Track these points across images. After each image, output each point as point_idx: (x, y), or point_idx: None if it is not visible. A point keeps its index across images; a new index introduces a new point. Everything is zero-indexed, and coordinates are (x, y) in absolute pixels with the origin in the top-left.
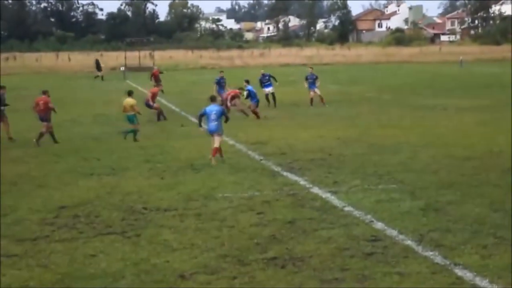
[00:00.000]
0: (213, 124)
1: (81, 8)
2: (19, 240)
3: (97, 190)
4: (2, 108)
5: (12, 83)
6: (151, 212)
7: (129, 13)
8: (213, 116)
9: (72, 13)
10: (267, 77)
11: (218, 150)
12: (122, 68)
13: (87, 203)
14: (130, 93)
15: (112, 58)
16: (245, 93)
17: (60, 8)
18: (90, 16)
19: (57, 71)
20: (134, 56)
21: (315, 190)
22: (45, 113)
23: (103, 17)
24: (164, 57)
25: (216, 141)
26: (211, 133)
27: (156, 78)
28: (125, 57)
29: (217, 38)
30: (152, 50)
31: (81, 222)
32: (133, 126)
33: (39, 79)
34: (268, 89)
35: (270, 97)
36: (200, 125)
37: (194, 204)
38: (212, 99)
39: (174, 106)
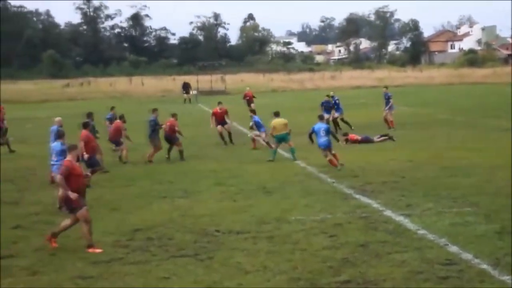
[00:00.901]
0: (323, 140)
1: (153, 33)
2: (94, 262)
3: (170, 213)
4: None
5: (86, 108)
6: (223, 235)
7: (201, 38)
8: (322, 133)
9: (145, 38)
10: (336, 100)
11: (336, 157)
12: (194, 92)
13: (160, 226)
14: (277, 114)
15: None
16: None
17: (133, 33)
18: (162, 40)
19: (130, 95)
20: (206, 80)
21: (388, 213)
22: (170, 134)
23: (176, 42)
24: (235, 80)
25: (329, 154)
26: (324, 148)
27: (250, 100)
28: (197, 81)
29: (288, 61)
30: (223, 73)
31: (154, 245)
32: (289, 144)
33: (113, 103)
34: (337, 114)
35: (339, 122)
36: (312, 141)
37: (267, 226)
38: (320, 118)
39: (246, 129)
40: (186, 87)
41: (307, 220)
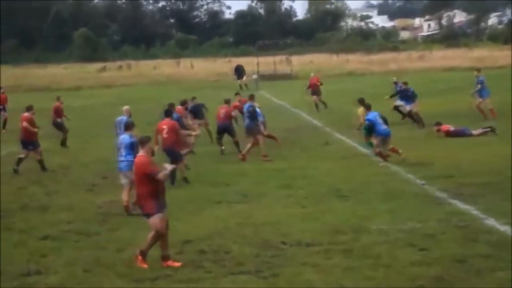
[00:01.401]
0: (383, 128)
1: (205, 7)
2: (136, 280)
3: (226, 221)
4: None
5: (126, 95)
6: (291, 247)
7: (261, 11)
8: (380, 120)
9: (194, 13)
10: (400, 87)
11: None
12: (254, 76)
13: (215, 236)
14: (362, 101)
15: (243, 64)
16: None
17: (181, 7)
18: (215, 15)
19: (178, 81)
20: (268, 62)
21: (491, 221)
22: (223, 123)
23: (231, 17)
24: (303, 62)
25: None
26: (386, 136)
27: (314, 88)
28: (257, 63)
29: (366, 39)
30: (289, 54)
31: (208, 259)
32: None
33: (157, 90)
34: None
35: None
36: (370, 135)
37: (342, 237)
38: (367, 107)
39: (316, 120)
40: (239, 71)
41: (391, 230)
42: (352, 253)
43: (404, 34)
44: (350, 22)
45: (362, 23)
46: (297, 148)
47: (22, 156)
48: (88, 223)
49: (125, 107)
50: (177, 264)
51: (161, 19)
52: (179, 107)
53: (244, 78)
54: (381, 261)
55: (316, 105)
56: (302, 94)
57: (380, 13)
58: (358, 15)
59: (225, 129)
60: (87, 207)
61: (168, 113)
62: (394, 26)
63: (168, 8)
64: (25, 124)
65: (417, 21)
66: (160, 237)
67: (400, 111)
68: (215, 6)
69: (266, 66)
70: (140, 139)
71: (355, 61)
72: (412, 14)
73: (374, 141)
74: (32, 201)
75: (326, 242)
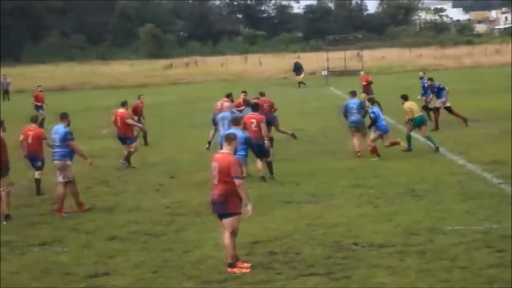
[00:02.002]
0: (384, 124)
1: (273, 1)
2: (205, 282)
3: (296, 222)
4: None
5: (193, 93)
6: (363, 249)
7: (331, 5)
8: (383, 116)
9: (262, 8)
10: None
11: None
12: (324, 73)
13: (285, 237)
14: (405, 97)
15: (312, 60)
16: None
17: (249, 2)
18: (284, 10)
19: (245, 77)
20: (338, 58)
21: None
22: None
23: (300, 11)
24: (375, 57)
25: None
26: (384, 132)
27: (366, 88)
28: (327, 59)
29: (440, 33)
30: (360, 49)
31: (278, 261)
32: (423, 131)
33: (224, 87)
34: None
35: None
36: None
37: (416, 239)
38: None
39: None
40: (297, 68)
41: (468, 231)
42: (427, 255)
43: (480, 28)
44: (423, 16)
45: (436, 17)
46: (367, 146)
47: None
48: (155, 224)
49: (226, 104)
50: (245, 270)
51: (229, 14)
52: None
53: (302, 75)
54: (456, 263)
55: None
56: (374, 90)
57: (454, 6)
58: (432, 8)
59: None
60: (154, 208)
61: (255, 107)
62: (469, 19)
63: (235, 3)
64: (130, 121)
65: (493, 13)
66: (235, 237)
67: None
68: (284, 1)
69: (336, 62)
70: (227, 136)
71: (428, 55)
72: (489, 7)
73: (372, 134)
74: (99, 201)
75: (400, 244)
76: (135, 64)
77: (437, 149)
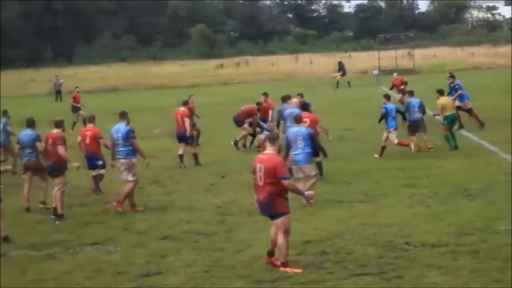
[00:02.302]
0: (393, 123)
1: (324, 1)
2: (257, 281)
3: (347, 221)
4: None
5: (244, 92)
6: (415, 249)
7: (382, 4)
8: (393, 114)
9: (313, 7)
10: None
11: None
12: (375, 72)
13: (336, 237)
14: (441, 92)
15: (363, 60)
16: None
17: (299, 1)
18: (335, 9)
19: (296, 77)
20: (389, 56)
21: None
22: None
23: (351, 10)
24: (426, 56)
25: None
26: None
27: (399, 87)
28: (379, 58)
29: (492, 31)
30: (411, 48)
31: (329, 260)
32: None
33: (275, 87)
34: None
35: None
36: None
37: (469, 238)
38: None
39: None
40: (341, 67)
41: None
42: (480, 255)
43: None
44: (475, 14)
45: (488, 15)
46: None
47: (181, 152)
48: (206, 223)
49: (295, 100)
50: (296, 270)
51: (279, 14)
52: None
53: (344, 75)
54: (509, 263)
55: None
56: (425, 89)
57: (506, 4)
58: (484, 6)
59: None
60: (205, 207)
61: (306, 106)
62: None
63: (286, 3)
64: (187, 122)
65: None
66: (288, 236)
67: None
68: (334, 0)
69: (387, 60)
70: (271, 136)
71: (480, 54)
72: None
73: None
74: (151, 201)
75: (452, 243)
76: (186, 65)
77: (455, 147)
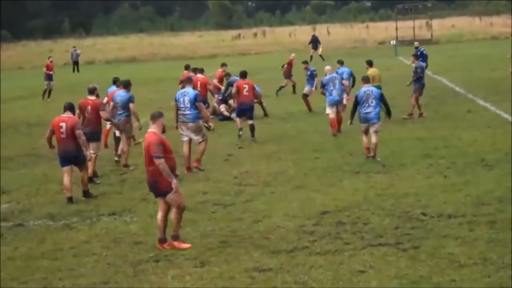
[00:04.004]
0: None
1: None
2: (273, 251)
3: (365, 192)
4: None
5: (262, 63)
6: (432, 219)
7: None
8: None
9: None
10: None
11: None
12: (393, 42)
13: (353, 208)
14: (370, 63)
15: (381, 30)
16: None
17: None
18: None
19: None
20: (407, 27)
21: None
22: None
23: None
24: (444, 26)
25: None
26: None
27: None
28: (396, 28)
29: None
30: (429, 18)
31: (346, 231)
32: None
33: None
34: None
35: None
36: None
37: (487, 209)
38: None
39: (458, 87)
40: (314, 41)
41: None
42: (497, 225)
43: None
44: None
45: None
46: (438, 116)
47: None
48: (223, 194)
49: (328, 67)
50: (184, 245)
51: None
52: None
53: (320, 49)
54: None
55: None
56: (444, 59)
57: None
58: None
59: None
60: (222, 178)
61: (244, 75)
62: None
63: None
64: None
65: None
66: (183, 210)
67: None
68: None
69: (405, 31)
70: (152, 114)
71: (499, 24)
72: None
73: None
74: None
75: (469, 214)
76: (204, 35)
77: None
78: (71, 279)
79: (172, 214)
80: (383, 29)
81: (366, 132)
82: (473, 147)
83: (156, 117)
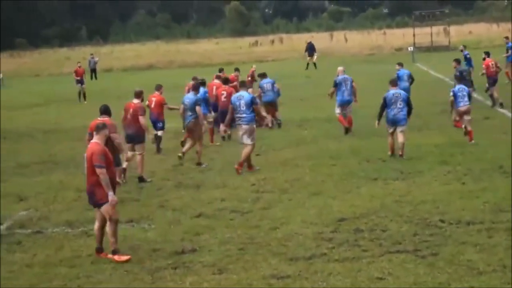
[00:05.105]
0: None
1: None
2: (291, 258)
3: (382, 198)
4: None
5: (279, 70)
6: (450, 226)
7: None
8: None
9: None
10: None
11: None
12: (410, 49)
13: (371, 215)
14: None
15: (398, 37)
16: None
17: None
18: None
19: (330, 54)
20: (424, 33)
21: None
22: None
23: None
24: (462, 32)
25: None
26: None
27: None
28: (414, 35)
29: None
30: (447, 24)
31: (364, 238)
32: None
33: (310, 63)
34: None
35: None
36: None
37: (505, 215)
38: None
39: (475, 94)
40: (310, 48)
41: None
42: None
43: None
44: None
45: None
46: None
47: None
48: (241, 201)
49: (340, 68)
50: (124, 257)
51: None
52: None
53: (315, 57)
54: None
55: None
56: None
57: None
58: None
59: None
60: (240, 185)
61: (226, 81)
62: None
63: None
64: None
65: None
66: (117, 223)
67: None
68: None
69: (422, 37)
70: (96, 126)
71: None
72: None
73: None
74: (186, 179)
75: (488, 221)
76: (220, 42)
77: None
78: (89, 286)
79: (107, 227)
80: (400, 36)
81: (393, 133)
82: (490, 153)
83: (100, 128)
